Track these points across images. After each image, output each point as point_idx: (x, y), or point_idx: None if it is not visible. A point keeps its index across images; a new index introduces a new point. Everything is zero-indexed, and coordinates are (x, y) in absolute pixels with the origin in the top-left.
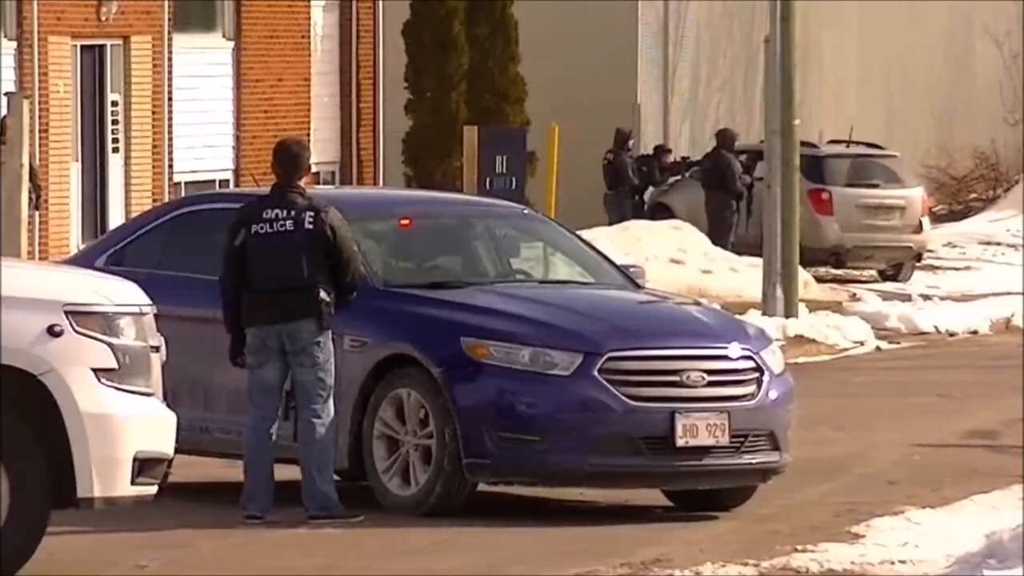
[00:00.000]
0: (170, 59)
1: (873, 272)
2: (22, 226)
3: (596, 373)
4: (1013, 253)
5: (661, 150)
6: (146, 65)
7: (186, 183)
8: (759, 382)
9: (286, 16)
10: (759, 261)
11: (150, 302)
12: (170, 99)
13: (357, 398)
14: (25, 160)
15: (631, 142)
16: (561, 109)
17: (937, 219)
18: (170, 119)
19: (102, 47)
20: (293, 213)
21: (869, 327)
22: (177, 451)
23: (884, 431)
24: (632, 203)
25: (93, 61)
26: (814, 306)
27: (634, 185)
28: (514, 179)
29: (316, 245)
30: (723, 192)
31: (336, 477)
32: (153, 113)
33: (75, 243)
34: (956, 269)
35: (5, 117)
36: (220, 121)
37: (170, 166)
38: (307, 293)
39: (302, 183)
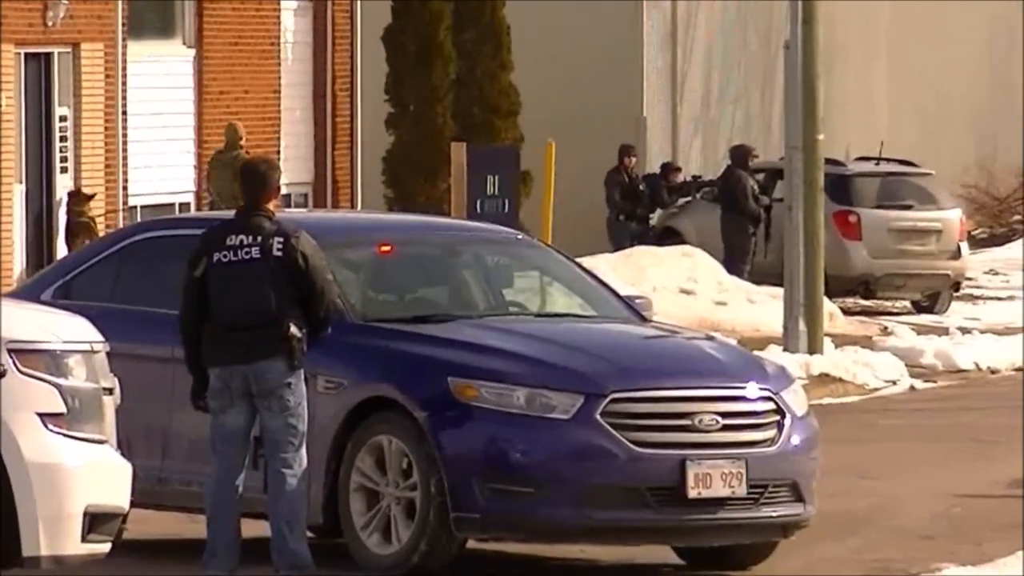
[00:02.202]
0: (124, 69)
1: (906, 303)
2: None
3: (598, 416)
4: None
5: (669, 168)
6: (98, 75)
7: (142, 207)
8: (780, 426)
9: (253, 21)
10: (779, 291)
11: (102, 339)
12: (124, 113)
13: (332, 446)
14: None
15: (626, 159)
16: (558, 123)
17: (977, 244)
18: (124, 135)
19: (49, 55)
20: (260, 239)
21: (902, 364)
22: (132, 504)
23: (919, 480)
24: (634, 226)
25: (39, 71)
26: (841, 341)
27: (618, 205)
28: (506, 201)
29: (285, 274)
30: (737, 214)
31: (309, 533)
32: (105, 129)
33: (18, 273)
34: (998, 299)
35: None
36: (180, 138)
37: (124, 188)
38: (275, 329)
39: (271, 206)
